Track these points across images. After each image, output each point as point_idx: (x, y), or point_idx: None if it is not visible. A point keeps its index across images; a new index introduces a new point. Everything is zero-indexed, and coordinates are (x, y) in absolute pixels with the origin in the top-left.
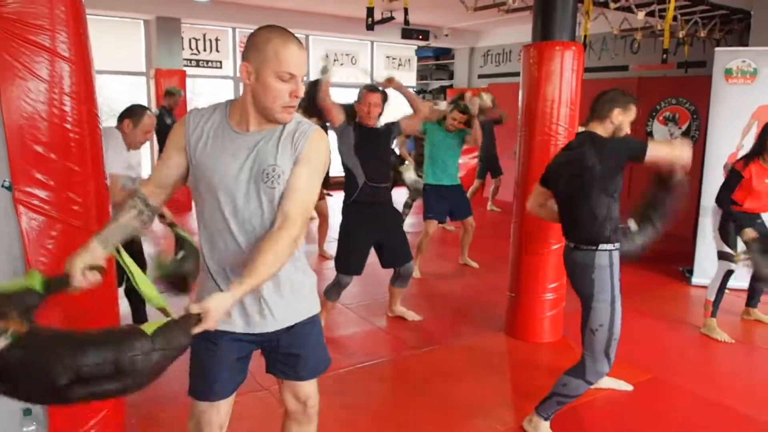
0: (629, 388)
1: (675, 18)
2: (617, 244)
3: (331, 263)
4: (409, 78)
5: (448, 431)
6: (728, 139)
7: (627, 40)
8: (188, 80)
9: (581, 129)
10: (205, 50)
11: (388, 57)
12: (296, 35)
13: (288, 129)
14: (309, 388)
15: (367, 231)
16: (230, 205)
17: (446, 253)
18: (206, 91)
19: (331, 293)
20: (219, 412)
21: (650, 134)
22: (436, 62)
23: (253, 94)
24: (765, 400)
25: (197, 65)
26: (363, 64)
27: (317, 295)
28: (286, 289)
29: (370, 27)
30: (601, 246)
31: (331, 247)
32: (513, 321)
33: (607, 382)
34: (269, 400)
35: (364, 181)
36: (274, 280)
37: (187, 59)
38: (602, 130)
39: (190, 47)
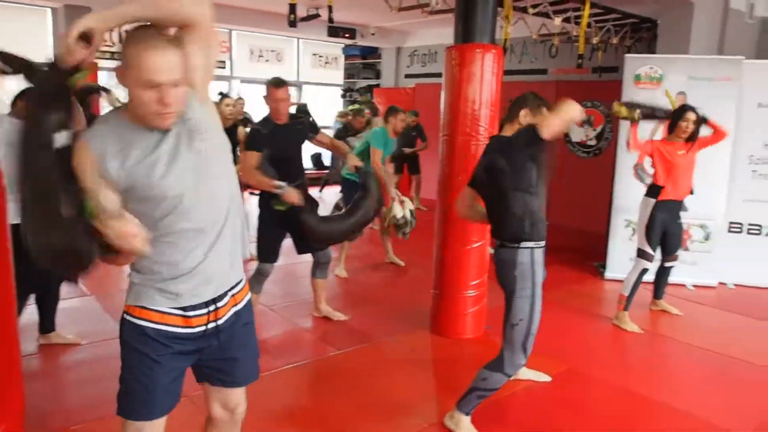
0: (548, 379)
1: (589, 25)
2: (540, 242)
3: (252, 264)
4: (336, 76)
5: (373, 430)
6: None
7: (546, 45)
8: (103, 74)
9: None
10: (120, 42)
11: (314, 55)
12: (221, 29)
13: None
14: (240, 394)
15: (282, 218)
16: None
17: (373, 251)
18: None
19: (253, 285)
20: (157, 427)
21: (567, 135)
22: (363, 61)
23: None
24: (672, 386)
25: (112, 58)
26: (289, 61)
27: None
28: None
29: (292, 24)
30: (523, 244)
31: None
32: (437, 318)
33: (527, 374)
34: (188, 408)
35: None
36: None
37: (100, 51)
38: (512, 131)
39: (104, 39)
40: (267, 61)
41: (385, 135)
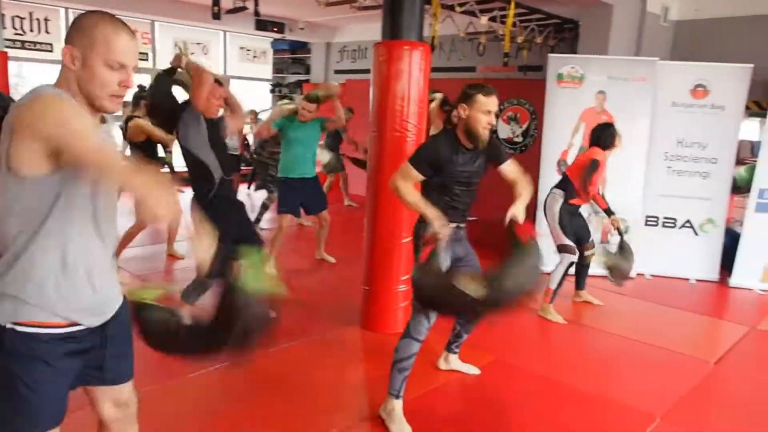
0: (477, 371)
1: (515, 24)
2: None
3: (183, 263)
4: (264, 71)
5: (306, 428)
6: (561, 137)
7: (474, 43)
8: (12, 63)
9: None
10: (32, 31)
11: (242, 48)
12: (142, 20)
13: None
14: (130, 387)
15: (228, 226)
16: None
17: (303, 248)
18: (34, 75)
19: (190, 295)
20: None
21: (495, 132)
22: (292, 56)
23: (78, 80)
24: (593, 373)
25: (23, 47)
26: (215, 55)
27: None
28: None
29: (216, 16)
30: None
31: (182, 246)
32: (368, 313)
33: (459, 366)
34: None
35: (221, 175)
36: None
37: (10, 39)
38: (457, 128)
39: (14, 26)
40: (192, 54)
41: (294, 122)
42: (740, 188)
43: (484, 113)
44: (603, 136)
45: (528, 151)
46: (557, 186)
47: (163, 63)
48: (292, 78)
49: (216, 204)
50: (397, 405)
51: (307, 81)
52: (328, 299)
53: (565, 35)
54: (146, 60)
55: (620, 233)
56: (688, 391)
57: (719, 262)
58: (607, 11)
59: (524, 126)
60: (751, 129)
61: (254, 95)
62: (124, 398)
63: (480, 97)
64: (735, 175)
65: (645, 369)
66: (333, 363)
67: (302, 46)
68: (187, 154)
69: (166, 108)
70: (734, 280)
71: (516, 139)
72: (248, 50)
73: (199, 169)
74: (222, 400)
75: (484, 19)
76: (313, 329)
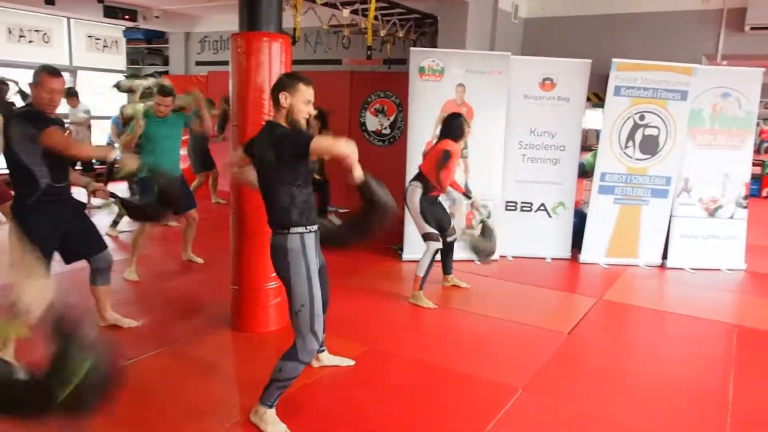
0: (351, 363)
1: (377, 18)
2: (310, 227)
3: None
4: (117, 61)
5: None
6: (425, 129)
7: (339, 36)
8: None
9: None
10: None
11: (90, 37)
12: None
13: None
14: None
15: (51, 228)
16: None
17: (169, 250)
18: None
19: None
20: None
21: (363, 125)
22: (148, 46)
23: None
24: (463, 353)
25: None
26: (58, 44)
27: None
28: None
29: (49, 1)
30: (292, 229)
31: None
32: (238, 314)
33: (331, 360)
34: None
35: (48, 183)
36: None
37: None
38: (280, 117)
39: None
40: (31, 42)
41: (152, 117)
42: (588, 173)
43: (305, 103)
44: (453, 127)
45: (396, 143)
46: (415, 178)
47: None
48: (149, 69)
49: (36, 207)
50: (271, 412)
51: (165, 72)
52: (196, 302)
53: (426, 30)
54: None
55: (481, 215)
56: (546, 362)
57: (570, 241)
58: (463, 8)
59: (391, 118)
60: (597, 118)
61: (107, 87)
62: None
63: (301, 86)
64: (583, 161)
65: (508, 345)
66: (202, 368)
67: (159, 36)
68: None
69: None
70: (583, 256)
71: (384, 131)
72: (97, 39)
73: (18, 174)
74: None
75: (346, 12)
76: (181, 334)
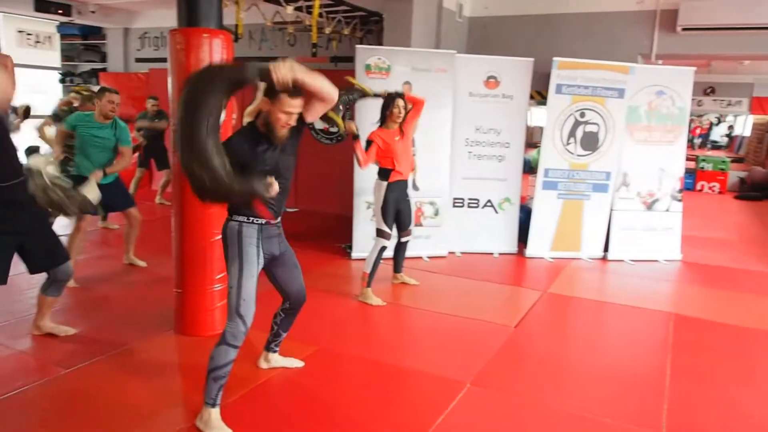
0: (301, 364)
1: (321, 15)
2: (252, 219)
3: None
4: (51, 58)
5: None
6: (373, 126)
7: (284, 33)
8: None
9: None
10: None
11: (21, 32)
12: None
13: None
14: None
15: (7, 233)
16: None
17: (109, 253)
18: None
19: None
20: None
21: (311, 124)
22: (84, 42)
23: None
24: (413, 350)
25: None
26: None
27: None
28: None
29: None
30: (234, 217)
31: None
32: (182, 317)
33: (280, 362)
34: None
35: None
36: None
37: None
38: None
39: None
40: None
41: (91, 120)
42: (533, 169)
43: (284, 113)
44: (381, 113)
45: (344, 141)
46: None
47: None
48: (86, 66)
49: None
50: (214, 412)
51: (103, 69)
52: (138, 306)
53: (372, 27)
54: None
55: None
56: (494, 355)
57: (517, 236)
58: (408, 5)
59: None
60: (541, 116)
61: (42, 85)
62: None
63: (285, 98)
64: (529, 157)
65: (456, 340)
66: (145, 374)
67: (96, 32)
68: None
69: None
70: (529, 251)
71: (332, 130)
72: (29, 34)
73: None
74: (21, 428)
75: (289, 9)
76: (122, 340)
